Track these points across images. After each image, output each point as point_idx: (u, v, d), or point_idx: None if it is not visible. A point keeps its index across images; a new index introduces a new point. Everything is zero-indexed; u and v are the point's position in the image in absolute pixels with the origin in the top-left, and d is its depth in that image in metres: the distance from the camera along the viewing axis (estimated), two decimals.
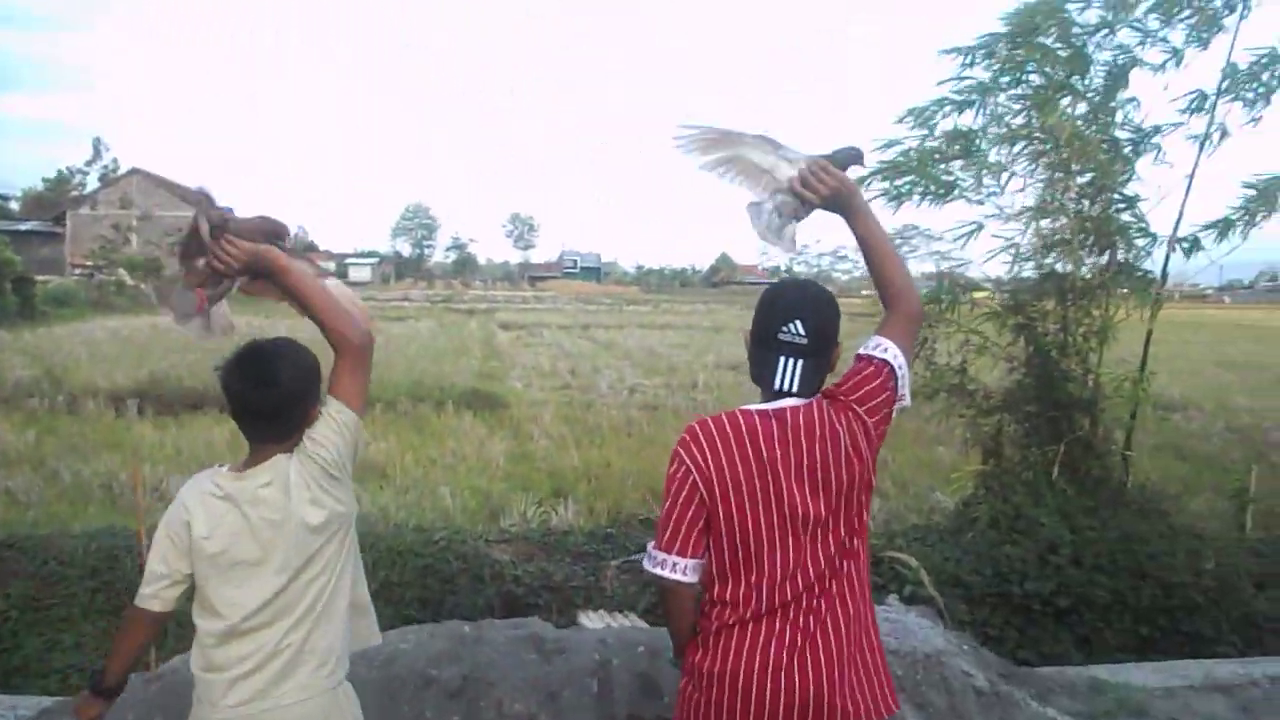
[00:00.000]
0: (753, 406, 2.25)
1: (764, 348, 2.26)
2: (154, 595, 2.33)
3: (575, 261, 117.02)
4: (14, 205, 57.74)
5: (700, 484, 2.18)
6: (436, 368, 19.21)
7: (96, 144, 48.55)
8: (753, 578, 2.17)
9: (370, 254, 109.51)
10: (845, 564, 2.21)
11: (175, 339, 20.11)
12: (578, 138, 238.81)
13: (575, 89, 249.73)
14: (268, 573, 2.30)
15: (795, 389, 2.22)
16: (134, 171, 49.22)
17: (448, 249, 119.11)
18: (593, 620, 5.71)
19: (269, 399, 2.31)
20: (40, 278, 37.18)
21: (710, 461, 2.19)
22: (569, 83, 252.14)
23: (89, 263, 37.82)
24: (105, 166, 47.78)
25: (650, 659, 3.51)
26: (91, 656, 5.62)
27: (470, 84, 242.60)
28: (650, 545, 2.26)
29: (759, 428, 2.20)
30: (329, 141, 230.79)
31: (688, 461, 2.20)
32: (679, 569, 2.20)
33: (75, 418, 13.41)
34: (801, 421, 2.20)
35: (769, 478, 2.17)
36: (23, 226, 49.76)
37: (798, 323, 2.22)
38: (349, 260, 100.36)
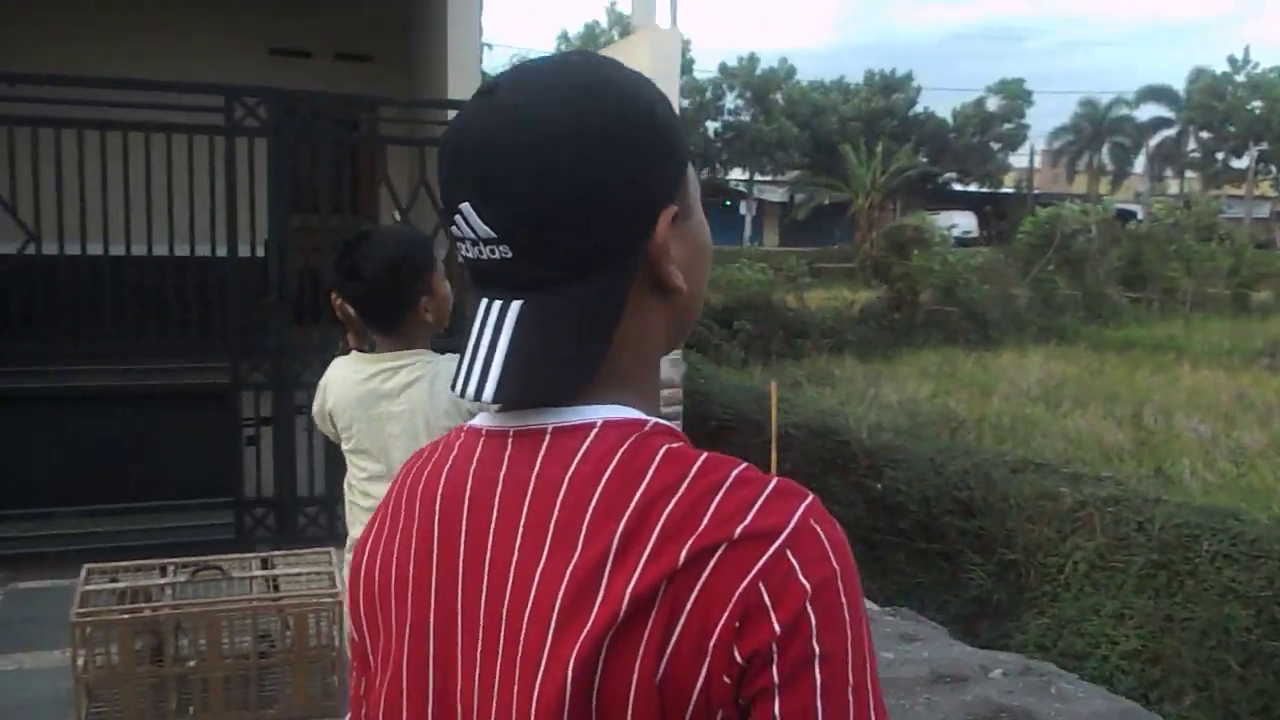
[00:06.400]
0: (481, 422, 0.78)
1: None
2: None
3: None
4: None
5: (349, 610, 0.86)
6: None
7: None
8: None
9: None
10: None
11: None
12: None
13: None
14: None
15: (495, 389, 0.71)
16: None
17: None
18: None
19: (356, 293, 2.22)
20: None
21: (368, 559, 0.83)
22: None
23: None
24: None
25: None
26: (1122, 631, 4.99)
27: None
28: None
29: (463, 478, 0.76)
30: None
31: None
32: None
33: None
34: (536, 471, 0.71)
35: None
36: None
37: (466, 208, 0.71)
38: None
